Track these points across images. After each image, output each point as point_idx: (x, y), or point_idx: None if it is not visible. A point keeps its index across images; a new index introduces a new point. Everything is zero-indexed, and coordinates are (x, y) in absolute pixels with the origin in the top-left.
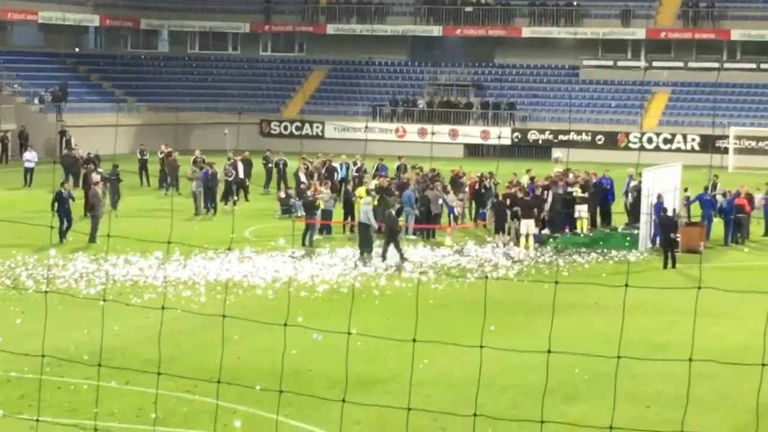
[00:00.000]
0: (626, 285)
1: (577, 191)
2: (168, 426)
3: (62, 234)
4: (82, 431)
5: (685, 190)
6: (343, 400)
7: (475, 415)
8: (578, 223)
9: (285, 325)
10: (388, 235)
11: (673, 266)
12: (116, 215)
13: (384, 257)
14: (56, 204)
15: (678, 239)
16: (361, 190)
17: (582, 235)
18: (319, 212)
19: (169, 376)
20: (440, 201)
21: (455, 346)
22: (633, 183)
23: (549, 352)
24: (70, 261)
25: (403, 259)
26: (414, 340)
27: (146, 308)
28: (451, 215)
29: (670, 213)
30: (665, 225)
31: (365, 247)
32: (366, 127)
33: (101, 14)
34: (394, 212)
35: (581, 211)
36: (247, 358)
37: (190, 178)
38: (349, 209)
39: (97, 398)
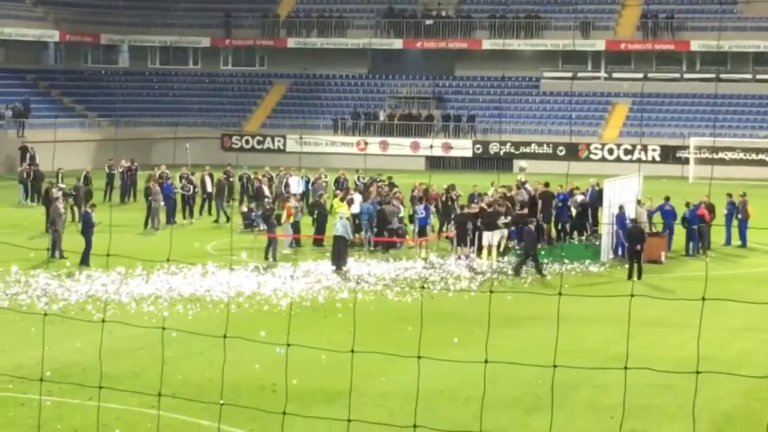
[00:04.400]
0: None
1: (503, 221)
2: None
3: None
4: None
5: (650, 198)
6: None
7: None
8: (484, 252)
9: (224, 336)
10: (526, 250)
11: (639, 277)
12: (77, 229)
13: (518, 273)
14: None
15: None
16: (338, 203)
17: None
18: (288, 225)
19: (132, 392)
20: (397, 216)
21: (421, 359)
22: (579, 197)
23: (486, 362)
24: (32, 277)
25: (542, 275)
26: (352, 351)
27: (109, 322)
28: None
29: (628, 223)
30: (633, 235)
31: (340, 260)
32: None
33: (61, 30)
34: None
35: (493, 237)
36: (210, 373)
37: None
38: (321, 222)
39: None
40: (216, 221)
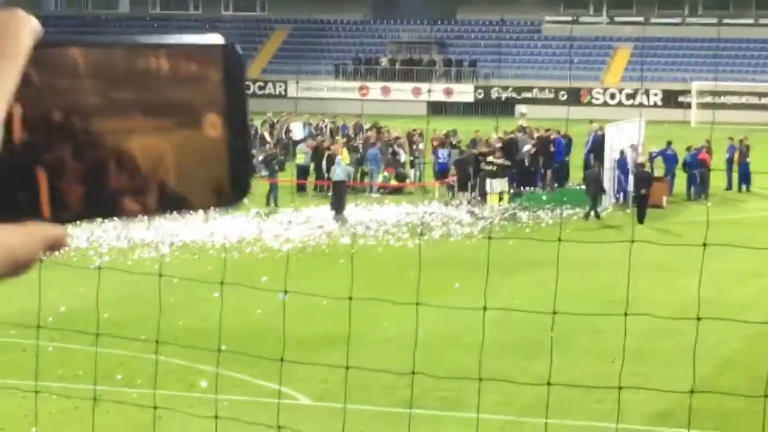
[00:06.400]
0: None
1: (492, 160)
2: (134, 387)
3: None
4: (46, 393)
5: (642, 144)
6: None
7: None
8: (489, 198)
9: (221, 283)
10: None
11: (641, 221)
12: None
13: (587, 217)
14: None
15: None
16: (337, 149)
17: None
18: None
19: (132, 339)
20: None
21: (421, 305)
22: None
23: (485, 309)
24: None
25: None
26: (350, 298)
27: (110, 270)
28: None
29: (630, 167)
30: (639, 179)
31: (340, 205)
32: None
33: None
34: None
35: (494, 185)
36: (210, 320)
37: None
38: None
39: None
40: None
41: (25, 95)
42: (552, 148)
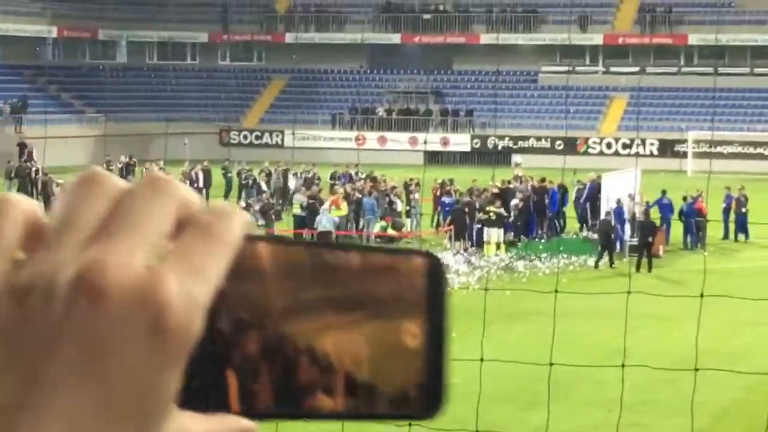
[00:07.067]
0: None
1: (490, 209)
2: None
3: None
4: None
5: (640, 194)
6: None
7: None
8: (485, 248)
9: None
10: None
11: (649, 270)
12: None
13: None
14: None
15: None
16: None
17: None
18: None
19: None
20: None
21: None
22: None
23: (482, 360)
24: None
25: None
26: None
27: None
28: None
29: (627, 217)
30: (645, 228)
31: None
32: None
33: (59, 25)
34: None
35: (491, 234)
36: None
37: None
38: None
39: None
40: None
41: (218, 291)
42: (546, 200)
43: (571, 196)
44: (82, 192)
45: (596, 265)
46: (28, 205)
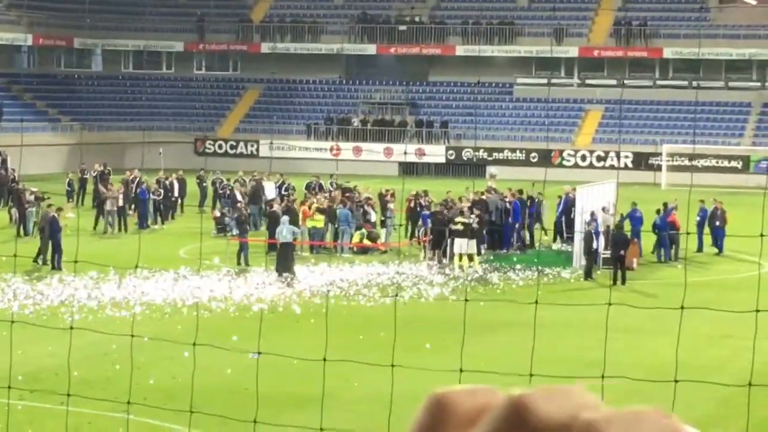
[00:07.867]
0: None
1: (459, 219)
2: None
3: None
4: None
5: (614, 205)
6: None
7: None
8: (455, 259)
9: (194, 344)
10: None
11: (623, 283)
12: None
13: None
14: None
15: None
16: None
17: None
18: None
19: (101, 400)
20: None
21: (393, 366)
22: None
23: (461, 371)
24: (4, 282)
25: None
26: (324, 360)
27: (81, 330)
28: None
29: (602, 229)
30: (617, 241)
31: (285, 267)
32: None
33: (34, 33)
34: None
35: (462, 245)
36: (181, 378)
37: (105, 196)
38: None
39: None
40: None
41: None
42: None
43: (545, 208)
44: None
45: (590, 275)
46: None
